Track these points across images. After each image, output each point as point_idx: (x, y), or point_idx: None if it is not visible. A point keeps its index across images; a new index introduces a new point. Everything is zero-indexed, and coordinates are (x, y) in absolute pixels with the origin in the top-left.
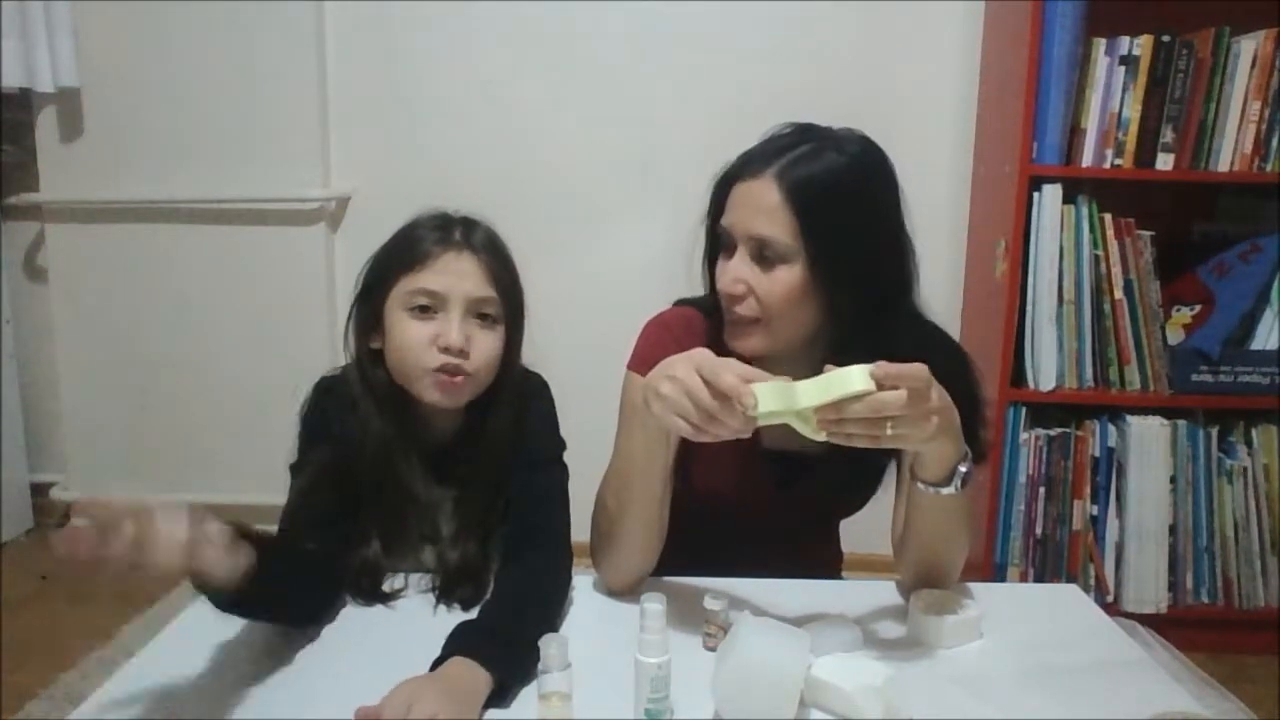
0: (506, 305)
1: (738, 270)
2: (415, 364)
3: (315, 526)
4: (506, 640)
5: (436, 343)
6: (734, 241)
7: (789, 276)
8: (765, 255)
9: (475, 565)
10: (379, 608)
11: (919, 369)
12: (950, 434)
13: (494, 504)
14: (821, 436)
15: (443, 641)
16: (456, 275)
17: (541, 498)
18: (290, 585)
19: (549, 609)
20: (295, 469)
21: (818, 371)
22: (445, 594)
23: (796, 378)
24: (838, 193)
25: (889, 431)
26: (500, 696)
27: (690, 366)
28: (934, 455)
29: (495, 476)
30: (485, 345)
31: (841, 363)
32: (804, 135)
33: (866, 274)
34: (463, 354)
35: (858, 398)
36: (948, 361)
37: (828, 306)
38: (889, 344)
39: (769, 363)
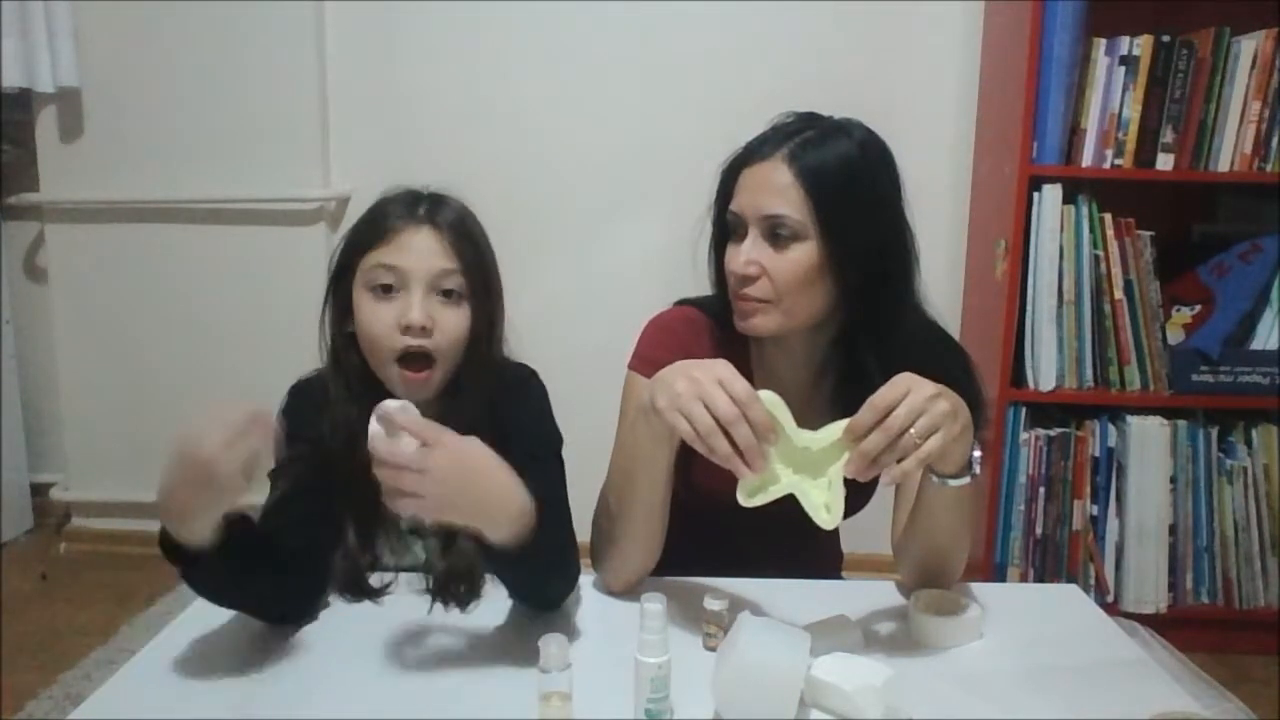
0: (471, 280)
1: (750, 251)
2: (381, 348)
3: (295, 529)
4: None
5: (399, 322)
6: (744, 225)
7: (802, 255)
8: (778, 234)
9: (468, 561)
10: (376, 606)
11: (897, 380)
12: (967, 427)
13: None
14: (827, 518)
15: (439, 641)
16: (417, 251)
17: (541, 495)
18: (269, 581)
19: (566, 561)
20: (273, 475)
21: (824, 357)
22: (439, 591)
23: (803, 363)
24: (847, 172)
25: (914, 432)
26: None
27: (713, 376)
28: (953, 449)
29: None
30: (450, 322)
31: (849, 345)
32: (810, 122)
33: (875, 254)
34: (425, 332)
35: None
36: (948, 359)
37: (838, 288)
38: (894, 332)
39: (779, 344)
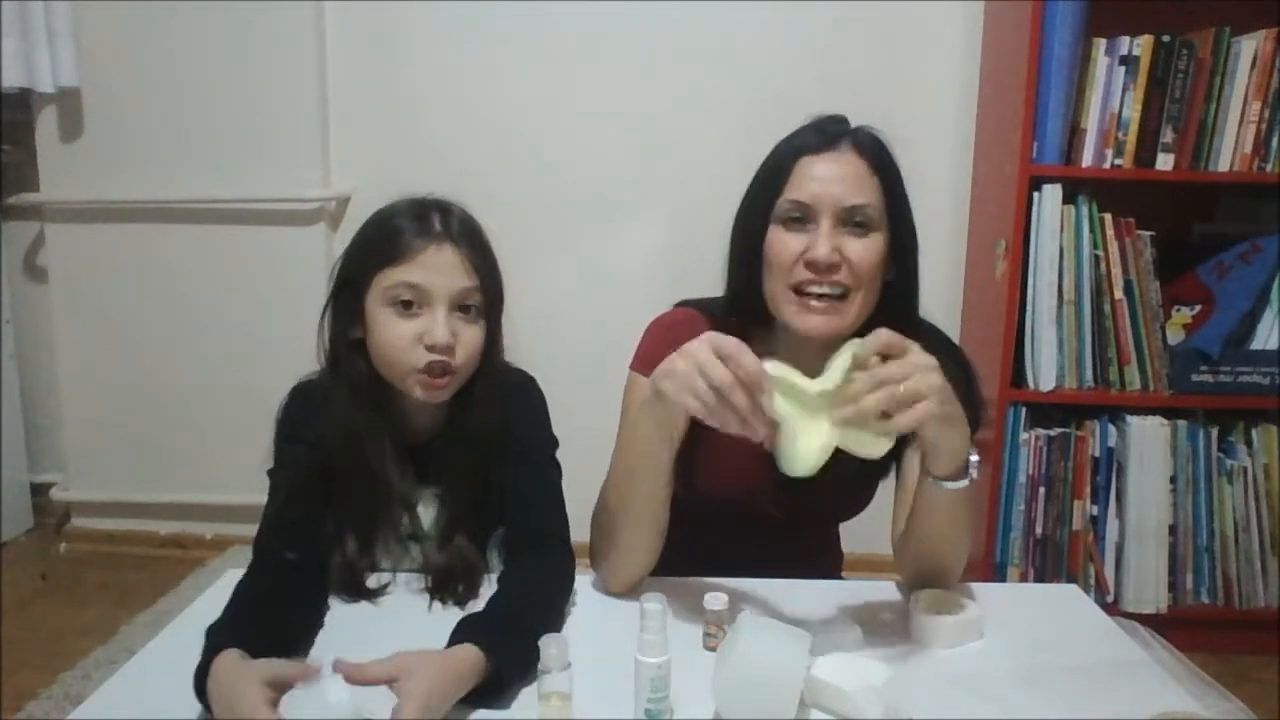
0: (487, 295)
1: (833, 239)
2: (402, 362)
3: (296, 533)
4: (508, 630)
5: (422, 341)
6: (813, 215)
7: (879, 244)
8: (858, 223)
9: (465, 563)
10: (374, 608)
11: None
12: (960, 422)
13: (480, 500)
14: (882, 445)
15: (438, 640)
16: (439, 269)
17: (539, 498)
18: (277, 615)
19: (551, 607)
20: (273, 474)
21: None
22: (438, 592)
23: (815, 370)
24: (896, 166)
25: (903, 389)
26: (497, 689)
27: (707, 345)
28: (946, 446)
29: (479, 471)
30: (469, 339)
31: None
32: (843, 121)
33: (914, 248)
34: (449, 350)
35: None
36: (948, 359)
37: (886, 283)
38: (908, 330)
39: (790, 348)
